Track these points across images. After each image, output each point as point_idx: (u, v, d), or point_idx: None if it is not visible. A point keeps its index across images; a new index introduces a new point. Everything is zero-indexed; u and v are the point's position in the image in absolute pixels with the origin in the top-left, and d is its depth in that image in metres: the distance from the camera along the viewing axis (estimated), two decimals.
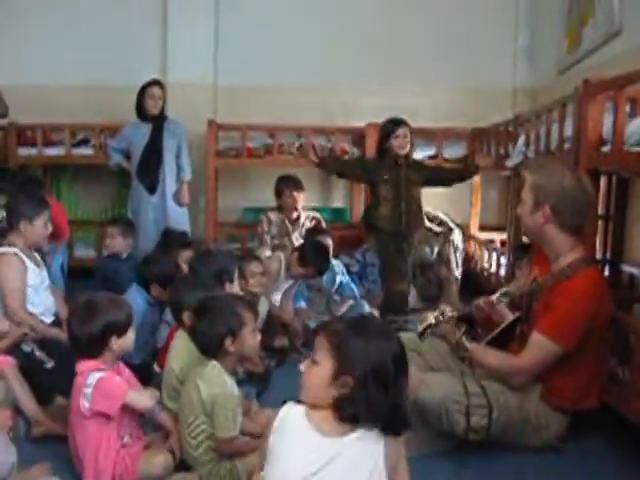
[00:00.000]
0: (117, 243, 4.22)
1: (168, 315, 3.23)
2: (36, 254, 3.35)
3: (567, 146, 3.13)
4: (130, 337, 2.37)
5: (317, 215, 5.07)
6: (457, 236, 5.01)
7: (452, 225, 5.03)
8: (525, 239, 3.66)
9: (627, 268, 3.91)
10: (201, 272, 3.12)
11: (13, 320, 3.04)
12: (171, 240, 4.28)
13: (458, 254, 4.97)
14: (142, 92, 4.95)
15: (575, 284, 2.42)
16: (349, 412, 1.54)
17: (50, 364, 2.86)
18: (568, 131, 3.12)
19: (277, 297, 4.15)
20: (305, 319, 4.00)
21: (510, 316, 2.69)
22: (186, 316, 2.65)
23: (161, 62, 5.87)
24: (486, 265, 4.90)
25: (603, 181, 3.82)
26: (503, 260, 4.43)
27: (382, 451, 1.57)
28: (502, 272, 4.41)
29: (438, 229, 5.10)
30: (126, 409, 2.28)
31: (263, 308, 3.64)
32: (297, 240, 4.84)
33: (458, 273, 4.95)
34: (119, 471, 2.23)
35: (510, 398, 2.49)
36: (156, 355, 3.10)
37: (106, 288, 3.97)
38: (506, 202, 5.33)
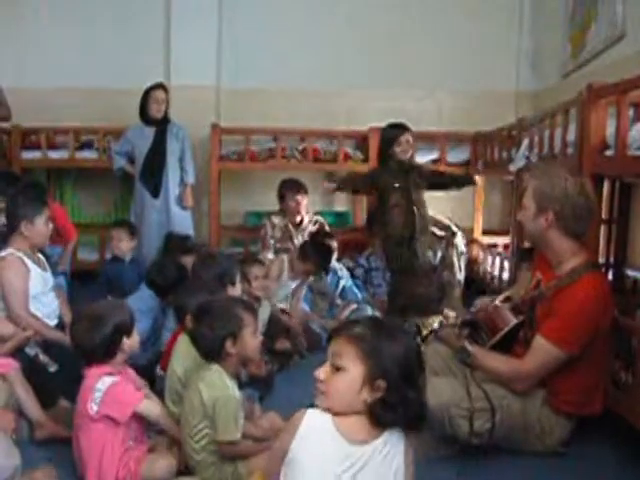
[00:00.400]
0: (124, 245, 4.23)
1: (170, 319, 3.24)
2: (40, 256, 3.35)
3: (570, 150, 3.13)
4: (136, 336, 2.40)
5: (320, 219, 5.07)
6: (460, 240, 5.00)
7: (455, 229, 5.03)
8: (527, 243, 3.65)
9: (630, 272, 3.90)
10: (203, 276, 3.13)
11: (17, 323, 3.04)
12: (173, 244, 4.29)
13: (461, 258, 4.96)
14: (146, 96, 4.97)
15: (579, 289, 2.41)
16: (387, 416, 1.53)
17: (54, 367, 2.86)
18: (571, 135, 3.12)
19: (281, 298, 4.16)
20: (308, 322, 4.00)
21: (513, 320, 2.68)
22: (189, 320, 2.66)
23: (165, 66, 5.89)
24: (489, 269, 4.90)
25: (606, 186, 3.80)
26: (506, 264, 4.43)
27: (403, 450, 1.59)
28: (505, 276, 4.41)
29: (441, 233, 5.10)
30: (135, 415, 2.29)
31: (265, 311, 3.64)
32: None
33: (461, 277, 4.95)
34: (123, 474, 2.23)
35: (513, 403, 2.49)
36: (159, 358, 3.11)
37: (110, 291, 4.02)
38: (509, 206, 5.33)
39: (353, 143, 5.50)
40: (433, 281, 4.56)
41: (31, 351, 2.92)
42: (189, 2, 5.77)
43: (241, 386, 2.43)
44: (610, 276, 3.87)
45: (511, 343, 2.67)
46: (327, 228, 5.01)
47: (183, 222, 5.03)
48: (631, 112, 2.79)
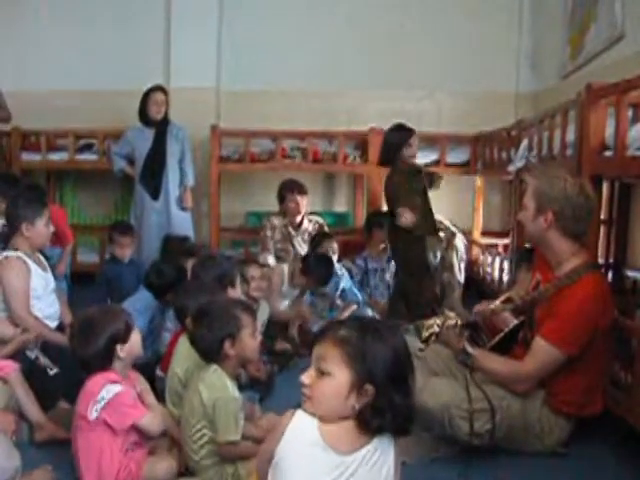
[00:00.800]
0: (127, 253, 4.24)
1: (171, 322, 3.25)
2: (41, 257, 3.36)
3: (569, 151, 3.13)
4: (135, 340, 2.36)
5: (320, 220, 5.07)
6: (460, 241, 5.00)
7: (455, 230, 5.02)
8: (527, 244, 3.66)
9: (630, 273, 3.90)
10: (203, 277, 3.13)
11: (18, 324, 3.05)
12: (172, 246, 4.29)
13: (461, 259, 4.96)
14: (145, 97, 4.97)
15: (578, 289, 2.41)
16: (377, 422, 1.48)
17: (54, 370, 2.86)
18: (570, 136, 3.12)
19: (282, 305, 4.17)
20: (307, 323, 4.01)
21: (513, 321, 2.69)
22: (189, 321, 2.66)
23: (164, 67, 5.89)
24: (489, 270, 4.91)
25: (606, 186, 3.82)
26: (506, 265, 4.43)
27: (393, 453, 1.57)
28: (505, 277, 4.41)
29: (441, 234, 5.10)
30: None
31: (264, 312, 3.64)
32: (300, 245, 4.84)
33: (461, 278, 4.94)
34: (123, 476, 2.22)
35: (513, 403, 2.49)
36: (159, 359, 3.11)
37: (109, 292, 4.02)
38: (509, 207, 5.33)
39: (353, 144, 5.50)
40: (437, 282, 4.58)
41: (31, 353, 2.92)
42: (189, 4, 5.78)
43: (241, 387, 2.43)
44: (610, 277, 3.88)
45: (511, 344, 2.68)
46: (326, 229, 5.01)
47: (183, 224, 5.03)
48: (630, 113, 2.80)
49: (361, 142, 5.43)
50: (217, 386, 2.23)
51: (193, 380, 2.35)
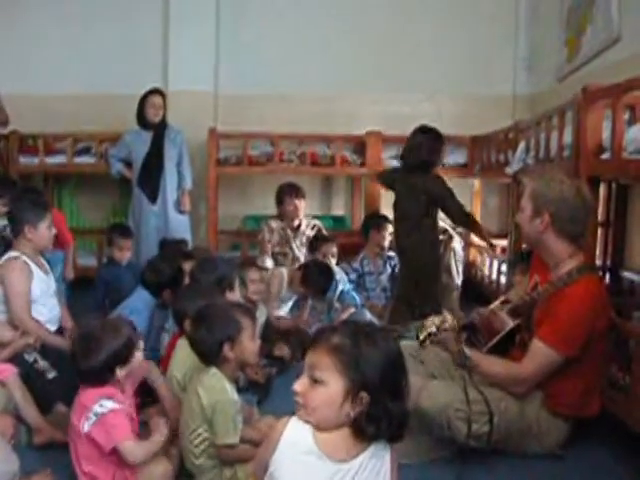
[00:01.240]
0: (125, 256, 4.25)
1: (169, 323, 3.24)
2: (43, 260, 3.36)
3: (566, 153, 3.14)
4: (137, 359, 2.29)
5: (318, 223, 5.07)
6: (457, 243, 5.01)
7: (452, 232, 5.03)
8: (525, 246, 3.66)
9: (627, 275, 3.91)
10: (202, 280, 3.13)
11: (18, 326, 3.05)
12: (169, 249, 4.29)
13: (459, 261, 4.96)
14: (143, 101, 4.98)
15: (575, 291, 2.42)
16: (371, 430, 1.47)
17: (52, 374, 2.86)
18: (568, 138, 3.13)
19: (282, 310, 4.17)
20: (305, 327, 4.01)
21: (510, 324, 2.69)
22: (187, 324, 2.66)
23: (162, 70, 5.90)
24: (487, 272, 4.91)
25: (603, 188, 3.83)
26: (504, 267, 4.43)
27: (389, 459, 1.55)
28: (503, 279, 4.41)
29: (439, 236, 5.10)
30: (132, 421, 2.26)
31: (261, 316, 3.64)
32: (298, 248, 4.85)
33: (459, 280, 4.95)
34: None
35: (511, 405, 2.49)
36: (159, 362, 3.10)
37: (107, 295, 4.02)
38: (506, 209, 5.34)
39: (351, 147, 5.50)
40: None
41: (29, 357, 2.91)
42: (187, 7, 5.78)
43: (239, 390, 2.44)
44: (607, 279, 3.89)
45: (508, 346, 2.68)
46: (324, 232, 5.01)
47: (181, 227, 5.03)
48: (627, 115, 2.81)
49: (359, 145, 5.43)
50: (216, 389, 2.23)
51: (192, 383, 2.35)
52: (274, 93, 5.88)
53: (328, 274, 4.16)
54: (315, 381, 1.48)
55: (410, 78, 5.88)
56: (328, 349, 1.47)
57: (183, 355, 2.60)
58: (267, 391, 3.21)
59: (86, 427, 2.15)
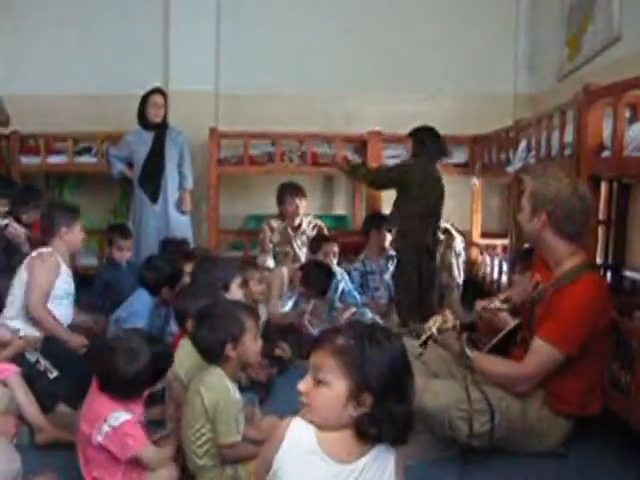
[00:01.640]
0: (125, 256, 4.25)
1: (172, 324, 3.25)
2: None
3: (568, 152, 3.14)
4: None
5: (319, 222, 5.08)
6: (459, 243, 5.01)
7: (453, 232, 5.03)
8: (526, 245, 3.66)
9: (629, 273, 3.91)
10: (204, 280, 3.13)
11: (31, 315, 3.18)
12: (170, 249, 4.29)
13: (460, 260, 4.97)
14: (144, 100, 4.97)
15: (577, 290, 2.42)
16: (374, 432, 1.46)
17: (54, 374, 2.87)
18: (568, 137, 3.13)
19: (283, 309, 4.18)
20: (308, 327, 4.01)
21: (511, 322, 2.69)
22: (190, 324, 2.66)
23: (163, 70, 5.89)
24: (488, 271, 4.91)
25: (604, 187, 3.82)
26: (505, 266, 4.43)
27: (393, 461, 1.54)
28: (504, 278, 4.41)
29: (440, 236, 5.10)
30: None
31: (262, 315, 3.64)
32: (299, 248, 4.85)
33: (460, 280, 4.96)
34: None
35: (512, 404, 2.49)
36: None
37: (108, 295, 4.02)
38: (507, 208, 5.33)
39: (352, 147, 5.50)
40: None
41: (31, 357, 2.92)
42: (188, 7, 5.78)
43: (241, 389, 2.44)
44: (609, 277, 3.88)
45: (510, 345, 2.68)
46: (326, 231, 5.01)
47: (182, 227, 5.02)
48: (628, 113, 2.81)
49: (360, 145, 5.43)
50: (218, 388, 2.23)
51: (194, 382, 2.35)
52: (275, 93, 5.88)
53: (328, 274, 4.16)
54: (319, 382, 1.48)
55: (410, 77, 5.88)
56: (332, 351, 1.47)
57: (185, 355, 2.60)
58: (269, 391, 3.21)
59: (99, 438, 2.15)
